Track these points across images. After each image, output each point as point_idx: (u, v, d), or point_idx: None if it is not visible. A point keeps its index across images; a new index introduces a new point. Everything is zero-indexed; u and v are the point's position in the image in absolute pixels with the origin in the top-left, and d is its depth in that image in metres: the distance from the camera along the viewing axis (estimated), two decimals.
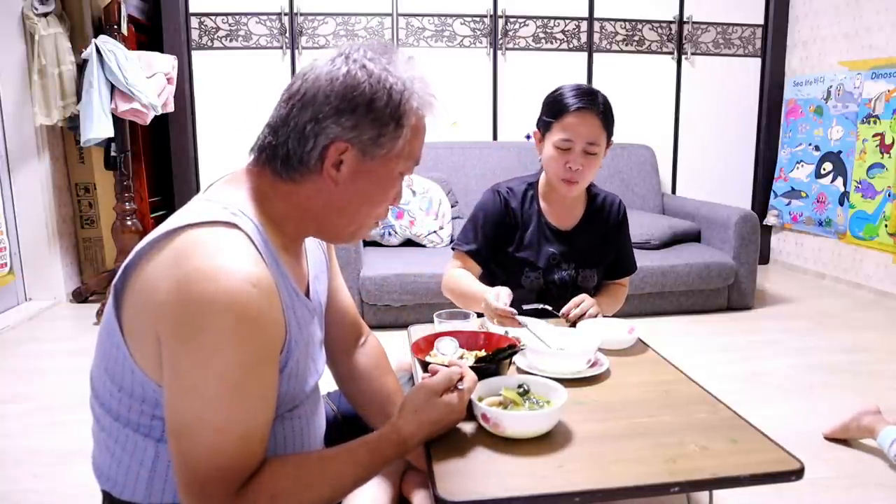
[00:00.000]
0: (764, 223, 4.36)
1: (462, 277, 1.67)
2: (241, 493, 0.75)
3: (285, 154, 0.86)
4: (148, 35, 3.92)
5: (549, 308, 1.60)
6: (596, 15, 4.15)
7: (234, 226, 0.79)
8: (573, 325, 1.53)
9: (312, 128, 0.84)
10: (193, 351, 0.73)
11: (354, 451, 0.87)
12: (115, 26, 3.25)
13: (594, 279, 1.75)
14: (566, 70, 4.14)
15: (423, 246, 3.52)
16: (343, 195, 0.87)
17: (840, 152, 3.96)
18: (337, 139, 0.84)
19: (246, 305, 0.73)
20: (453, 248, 1.76)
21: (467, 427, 1.04)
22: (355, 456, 0.87)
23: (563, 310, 1.58)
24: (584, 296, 1.62)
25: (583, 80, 4.19)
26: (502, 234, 1.72)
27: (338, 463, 0.86)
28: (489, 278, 1.79)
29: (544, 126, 1.65)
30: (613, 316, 1.72)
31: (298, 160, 0.85)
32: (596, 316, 1.57)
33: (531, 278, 1.71)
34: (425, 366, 1.18)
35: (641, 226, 3.54)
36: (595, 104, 1.59)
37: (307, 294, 0.97)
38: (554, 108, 1.62)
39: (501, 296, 1.45)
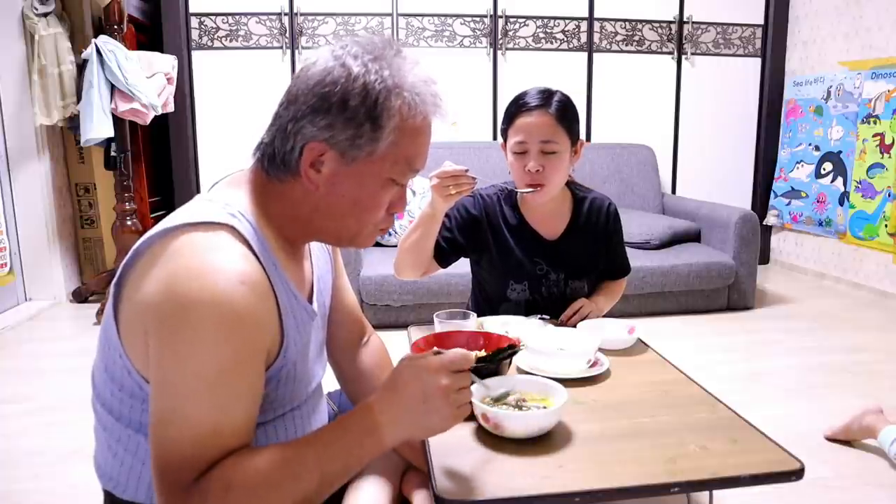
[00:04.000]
0: (764, 223, 4.36)
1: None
2: (198, 481, 0.71)
3: (272, 153, 0.85)
4: (148, 35, 3.92)
5: (548, 317, 1.59)
6: (596, 15, 4.15)
7: (231, 227, 0.79)
8: (573, 324, 1.54)
9: (292, 127, 0.82)
10: (174, 345, 0.73)
11: (317, 432, 0.80)
12: (115, 26, 3.25)
13: (585, 290, 1.67)
14: (566, 70, 4.14)
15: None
16: (327, 199, 0.85)
17: (840, 152, 3.96)
18: (312, 140, 0.81)
19: (230, 302, 0.73)
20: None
21: (467, 427, 1.04)
22: (317, 435, 0.79)
23: (562, 317, 1.58)
24: (581, 300, 1.61)
25: (583, 80, 4.19)
26: (476, 235, 1.64)
27: (299, 443, 0.78)
28: (477, 289, 1.77)
29: (503, 136, 1.59)
30: (612, 315, 1.71)
31: (281, 160, 0.84)
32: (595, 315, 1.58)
33: (517, 291, 1.64)
34: None
35: (641, 226, 3.54)
36: (546, 102, 1.51)
37: (310, 296, 0.96)
38: (508, 114, 1.56)
39: (443, 165, 1.41)
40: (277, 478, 0.73)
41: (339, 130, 0.80)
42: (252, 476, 0.73)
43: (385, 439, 0.80)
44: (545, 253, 1.64)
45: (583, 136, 4.17)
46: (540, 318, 1.58)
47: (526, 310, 1.66)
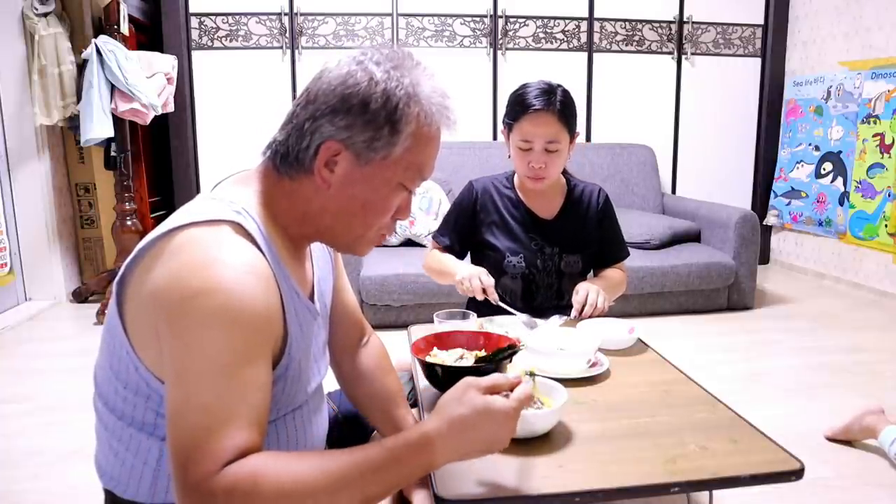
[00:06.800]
0: (764, 223, 4.36)
1: (444, 257, 1.77)
2: (222, 473, 0.68)
3: (285, 151, 0.86)
4: (148, 35, 3.92)
5: (567, 316, 1.60)
6: (596, 15, 4.15)
7: (235, 223, 0.80)
8: (574, 323, 1.53)
9: (309, 126, 0.84)
10: (184, 336, 0.73)
11: (365, 451, 0.76)
12: (115, 26, 3.25)
13: (578, 265, 1.77)
14: (566, 70, 4.14)
15: (423, 246, 3.52)
16: (337, 199, 0.86)
17: (840, 152, 3.96)
18: (330, 139, 0.83)
19: (237, 290, 0.73)
20: (433, 238, 1.87)
21: None
22: (366, 456, 0.75)
23: (573, 312, 1.58)
24: (585, 287, 1.60)
25: (583, 80, 4.19)
26: (474, 225, 1.79)
27: (343, 461, 0.74)
28: (475, 264, 1.82)
29: (507, 127, 1.70)
30: (612, 315, 1.71)
31: (295, 158, 0.85)
32: (605, 308, 1.58)
33: (513, 263, 1.74)
34: (425, 366, 1.18)
35: (641, 226, 3.54)
36: (551, 104, 1.61)
37: (311, 296, 0.96)
38: (512, 111, 1.66)
39: (485, 274, 1.59)
40: (313, 487, 0.71)
41: (358, 132, 0.82)
42: (286, 478, 0.70)
43: (434, 470, 0.82)
44: (541, 230, 1.77)
45: (582, 134, 4.19)
46: (556, 316, 1.59)
47: (523, 284, 1.75)
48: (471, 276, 1.57)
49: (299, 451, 0.92)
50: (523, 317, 1.58)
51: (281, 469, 0.70)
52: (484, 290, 1.56)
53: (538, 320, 1.58)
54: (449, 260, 1.75)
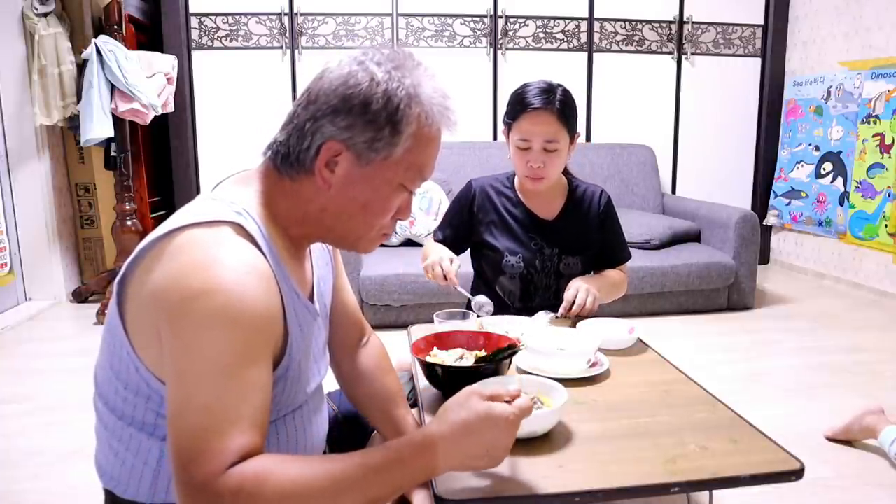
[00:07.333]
0: (764, 223, 4.36)
1: (431, 245, 1.75)
2: (227, 474, 0.69)
3: (286, 151, 0.86)
4: (148, 35, 3.92)
5: (552, 315, 1.60)
6: (596, 15, 4.15)
7: (236, 224, 0.80)
8: (573, 324, 1.54)
9: (310, 126, 0.84)
10: (185, 336, 0.73)
11: (368, 453, 0.77)
12: (115, 26, 3.25)
13: (578, 267, 1.75)
14: (566, 70, 4.14)
15: (423, 246, 3.52)
16: (338, 200, 0.86)
17: (840, 152, 3.96)
18: (331, 139, 0.83)
19: (237, 291, 0.73)
20: (433, 232, 1.87)
21: None
22: (368, 457, 0.76)
23: (561, 311, 1.58)
24: (576, 286, 1.59)
25: (583, 80, 4.19)
26: (472, 223, 1.78)
27: (346, 463, 0.74)
28: (475, 264, 1.87)
29: (506, 126, 1.70)
30: (612, 315, 1.71)
31: (296, 158, 0.85)
32: (595, 306, 1.57)
33: (511, 263, 1.74)
34: (425, 366, 1.18)
35: (641, 226, 3.54)
36: (550, 102, 1.60)
37: (311, 297, 0.96)
38: (512, 110, 1.66)
39: (448, 260, 1.57)
40: (317, 489, 0.71)
41: (359, 132, 0.82)
42: (291, 480, 0.71)
43: (436, 475, 0.83)
44: (541, 230, 1.75)
45: (582, 135, 4.19)
46: (543, 313, 1.59)
47: (521, 284, 1.74)
48: (433, 264, 1.54)
49: (302, 453, 0.93)
50: (481, 298, 1.60)
51: (286, 471, 0.71)
52: (445, 277, 1.53)
53: (519, 317, 1.57)
54: (433, 247, 1.72)
